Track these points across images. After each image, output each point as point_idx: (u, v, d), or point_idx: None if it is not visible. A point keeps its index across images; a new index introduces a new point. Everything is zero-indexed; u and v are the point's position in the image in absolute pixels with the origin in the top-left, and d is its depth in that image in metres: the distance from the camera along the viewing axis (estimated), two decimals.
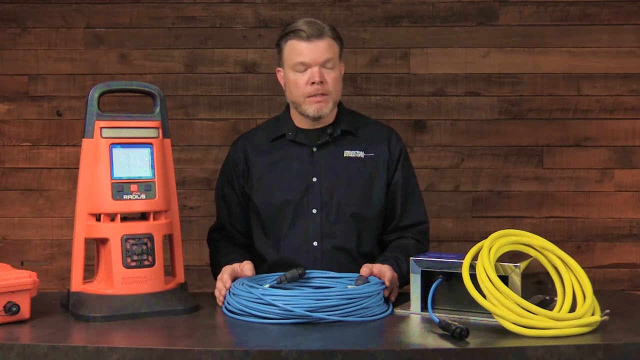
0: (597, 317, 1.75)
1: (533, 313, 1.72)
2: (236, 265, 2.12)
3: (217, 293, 2.05)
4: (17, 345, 1.65)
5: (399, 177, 2.35)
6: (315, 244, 2.26)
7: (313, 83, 2.24)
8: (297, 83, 2.27)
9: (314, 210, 2.27)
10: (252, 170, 2.36)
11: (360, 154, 2.34)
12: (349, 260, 2.25)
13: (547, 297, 1.94)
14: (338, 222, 2.28)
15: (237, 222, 2.41)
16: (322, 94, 2.26)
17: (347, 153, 2.34)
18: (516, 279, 1.81)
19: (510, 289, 1.77)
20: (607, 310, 1.78)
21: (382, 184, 2.33)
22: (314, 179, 2.30)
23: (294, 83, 2.28)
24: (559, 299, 1.83)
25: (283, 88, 2.37)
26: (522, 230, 1.92)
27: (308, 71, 2.25)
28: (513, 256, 1.89)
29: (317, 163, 2.31)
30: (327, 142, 2.33)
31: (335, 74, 2.28)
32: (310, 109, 2.27)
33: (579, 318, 1.74)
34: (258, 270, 2.22)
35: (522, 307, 1.73)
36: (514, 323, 1.72)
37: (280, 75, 2.38)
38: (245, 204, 2.39)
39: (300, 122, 2.35)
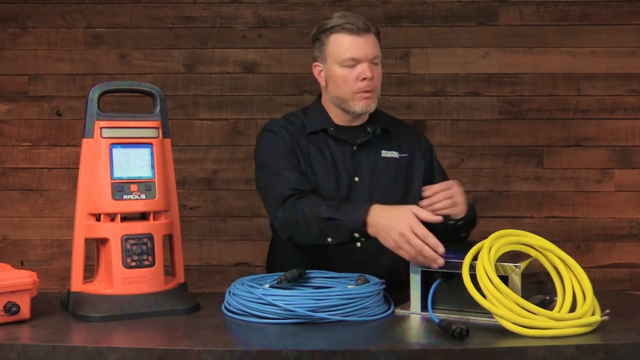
0: (597, 317, 1.75)
1: (533, 313, 1.72)
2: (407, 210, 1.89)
3: (426, 253, 1.83)
4: (17, 345, 1.65)
5: (435, 168, 2.37)
6: (358, 244, 2.19)
7: (364, 79, 2.19)
8: (346, 79, 2.21)
9: None
10: (298, 154, 2.26)
11: (395, 155, 2.32)
12: (390, 261, 2.13)
13: (547, 297, 1.94)
14: None
15: (311, 183, 2.19)
16: (370, 90, 2.21)
17: (384, 153, 2.31)
18: (516, 279, 1.81)
19: (510, 289, 1.77)
20: (607, 311, 1.78)
21: (417, 184, 2.31)
22: (356, 179, 2.27)
23: (342, 79, 2.21)
24: (559, 299, 1.83)
25: (322, 83, 2.30)
26: (522, 230, 1.92)
27: (357, 67, 2.20)
28: (513, 256, 1.89)
29: (358, 162, 2.28)
30: (368, 141, 2.29)
31: (380, 70, 2.25)
32: (359, 105, 2.22)
33: (579, 318, 1.74)
34: (290, 265, 2.10)
35: (522, 307, 1.73)
36: (514, 323, 1.72)
37: (317, 70, 2.30)
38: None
39: (338, 119, 2.30)
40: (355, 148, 2.29)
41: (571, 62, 3.45)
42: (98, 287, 1.97)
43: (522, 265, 1.83)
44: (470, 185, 3.46)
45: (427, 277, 1.92)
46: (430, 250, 1.83)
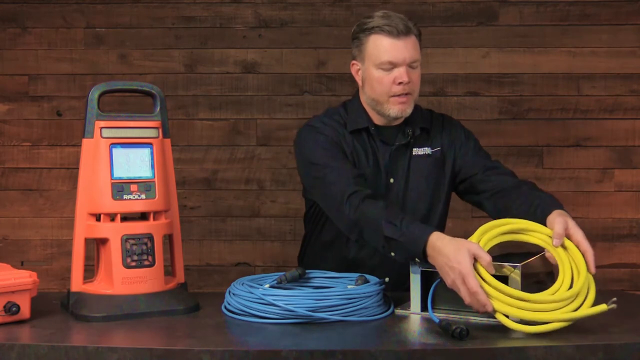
0: (604, 306, 1.72)
1: (525, 300, 1.71)
2: (468, 246, 1.78)
3: (480, 298, 1.73)
4: (17, 345, 1.65)
5: (475, 149, 2.30)
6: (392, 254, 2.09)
7: (400, 83, 2.15)
8: (382, 81, 2.17)
9: None
10: (345, 150, 2.23)
11: (428, 151, 2.28)
12: (420, 263, 1.98)
13: None
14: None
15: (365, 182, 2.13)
16: (406, 94, 2.18)
17: (416, 151, 2.27)
18: (516, 278, 1.81)
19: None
20: (614, 299, 1.74)
21: (447, 176, 2.29)
22: (391, 180, 2.25)
23: (378, 81, 2.18)
24: (559, 277, 1.80)
25: (359, 83, 2.27)
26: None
27: (395, 70, 2.16)
28: (513, 255, 1.89)
29: (394, 164, 2.25)
30: (407, 143, 2.25)
31: (419, 73, 2.20)
32: (394, 109, 2.19)
33: (576, 296, 1.73)
34: (324, 264, 2.12)
35: (514, 298, 1.72)
36: (510, 318, 1.71)
37: (355, 69, 2.26)
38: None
39: (376, 119, 2.26)
40: (393, 149, 2.26)
41: (571, 62, 3.45)
42: (98, 287, 1.96)
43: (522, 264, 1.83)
44: None
45: (427, 277, 1.92)
46: (485, 296, 1.74)
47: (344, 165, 2.16)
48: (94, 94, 1.99)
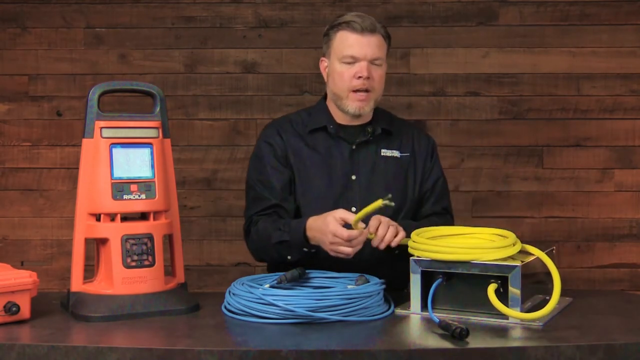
0: (380, 201, 1.89)
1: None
2: (329, 214, 2.03)
3: (334, 252, 2.01)
4: (17, 345, 1.65)
5: (436, 172, 2.39)
6: None
7: (360, 77, 2.21)
8: (343, 75, 2.23)
9: (353, 209, 2.21)
10: (290, 158, 2.31)
11: (397, 154, 2.34)
12: (385, 257, 2.14)
13: (547, 297, 1.94)
14: None
15: (285, 202, 2.27)
16: (366, 91, 2.23)
17: (384, 152, 2.33)
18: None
19: (510, 289, 1.77)
20: (389, 195, 1.90)
21: (417, 182, 2.34)
22: (353, 177, 2.28)
23: (340, 75, 2.24)
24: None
25: (325, 79, 2.34)
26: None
27: (356, 65, 2.22)
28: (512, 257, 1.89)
29: (356, 161, 2.29)
30: (367, 140, 2.31)
31: (381, 72, 2.26)
32: (352, 105, 2.24)
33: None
34: (283, 267, 2.16)
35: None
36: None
37: (323, 65, 2.34)
38: (291, 183, 2.30)
39: (339, 118, 2.32)
40: (354, 147, 2.30)
41: (571, 62, 3.44)
42: (98, 287, 1.97)
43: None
44: (470, 185, 3.46)
45: (427, 277, 1.92)
46: (363, 238, 1.99)
47: (268, 184, 2.28)
48: (94, 94, 1.99)
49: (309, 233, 2.09)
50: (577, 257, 3.42)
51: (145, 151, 2.01)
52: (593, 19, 3.44)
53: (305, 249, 2.12)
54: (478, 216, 3.43)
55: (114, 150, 1.97)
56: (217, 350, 1.60)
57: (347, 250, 1.99)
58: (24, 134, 3.48)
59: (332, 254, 2.03)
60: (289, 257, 2.16)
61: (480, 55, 3.45)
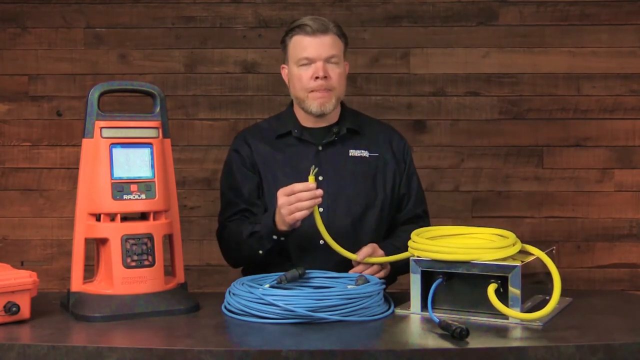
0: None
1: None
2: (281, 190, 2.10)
3: (291, 217, 2.05)
4: (17, 345, 1.65)
5: (412, 174, 2.42)
6: (321, 242, 2.22)
7: (317, 78, 2.25)
8: (301, 77, 2.27)
9: (321, 209, 2.23)
10: (258, 165, 2.35)
11: (365, 154, 2.36)
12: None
13: (547, 297, 1.94)
14: (345, 222, 2.28)
15: (254, 206, 2.33)
16: (326, 90, 2.26)
17: (352, 152, 2.35)
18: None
19: (510, 290, 1.77)
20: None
21: (388, 182, 2.36)
22: (320, 178, 2.29)
23: (298, 77, 2.28)
24: None
25: (287, 85, 2.38)
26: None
27: (312, 66, 2.26)
28: (512, 256, 1.89)
29: (322, 162, 2.31)
30: (333, 141, 2.34)
31: (340, 70, 2.29)
32: (314, 104, 2.27)
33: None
34: (259, 269, 2.21)
35: None
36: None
37: (284, 73, 2.39)
38: (259, 188, 2.35)
39: (305, 121, 2.36)
40: (320, 148, 2.32)
41: (571, 62, 3.45)
42: (98, 287, 1.97)
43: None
44: (470, 185, 3.46)
45: (427, 277, 1.92)
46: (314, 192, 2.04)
47: (237, 190, 2.33)
48: (94, 94, 1.99)
49: (276, 217, 2.13)
50: (577, 257, 3.42)
51: (145, 151, 2.01)
52: (593, 19, 3.44)
53: (274, 237, 2.15)
54: (478, 216, 3.43)
55: (114, 150, 1.97)
56: (217, 350, 1.60)
57: (301, 204, 2.03)
58: (24, 134, 3.48)
59: (290, 220, 2.06)
60: (260, 252, 2.20)
61: (480, 55, 3.45)
